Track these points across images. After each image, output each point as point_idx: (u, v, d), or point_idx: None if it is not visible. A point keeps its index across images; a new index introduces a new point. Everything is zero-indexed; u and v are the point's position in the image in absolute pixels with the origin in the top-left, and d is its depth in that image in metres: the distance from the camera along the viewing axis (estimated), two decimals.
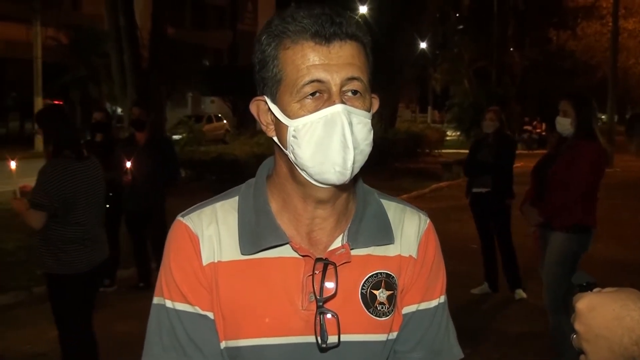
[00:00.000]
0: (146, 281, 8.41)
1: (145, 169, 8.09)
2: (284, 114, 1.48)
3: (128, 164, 7.97)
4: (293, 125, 1.46)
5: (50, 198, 4.76)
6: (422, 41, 33.59)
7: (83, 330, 5.15)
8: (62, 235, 4.89)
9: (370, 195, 1.67)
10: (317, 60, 1.44)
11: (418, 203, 14.85)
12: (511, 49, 39.74)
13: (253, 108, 1.57)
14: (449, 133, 38.80)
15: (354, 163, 1.44)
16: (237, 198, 1.62)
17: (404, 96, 52.41)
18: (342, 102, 1.44)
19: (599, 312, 1.24)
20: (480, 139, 8.71)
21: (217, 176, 16.77)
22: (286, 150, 1.50)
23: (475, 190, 8.30)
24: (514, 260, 8.30)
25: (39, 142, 28.58)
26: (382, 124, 26.70)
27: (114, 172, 7.81)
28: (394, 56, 26.83)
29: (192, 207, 1.63)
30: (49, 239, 4.89)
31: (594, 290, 1.31)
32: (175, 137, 22.76)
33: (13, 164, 5.01)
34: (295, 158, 1.47)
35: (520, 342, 6.81)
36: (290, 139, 1.47)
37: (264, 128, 1.57)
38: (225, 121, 39.41)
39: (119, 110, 26.54)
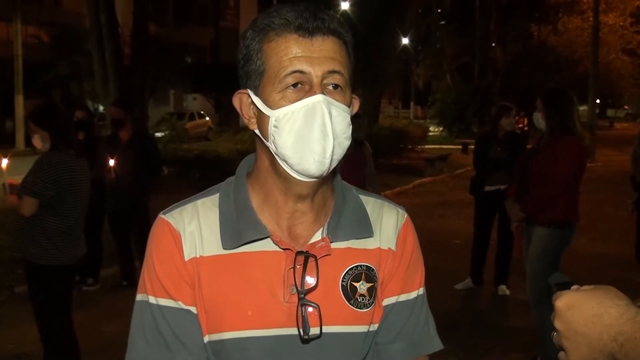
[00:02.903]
0: (129, 279, 8.39)
1: (128, 167, 8.07)
2: (266, 104, 1.50)
3: (111, 162, 7.95)
4: (274, 115, 1.49)
5: (46, 187, 4.89)
6: (405, 37, 33.65)
7: (64, 328, 5.20)
8: (51, 226, 5.00)
9: (349, 191, 1.70)
10: (299, 53, 1.47)
11: (401, 199, 14.92)
12: (493, 44, 39.92)
13: (236, 101, 1.60)
14: (431, 129, 38.93)
15: (332, 153, 1.47)
16: (217, 195, 1.64)
17: (387, 92, 52.50)
18: (323, 94, 1.47)
19: (578, 310, 1.27)
20: (486, 135, 8.66)
21: (200, 173, 16.75)
22: (267, 141, 1.52)
23: (489, 188, 8.22)
24: (510, 255, 8.27)
25: (20, 141, 28.47)
26: (364, 120, 26.60)
27: (97, 170, 7.79)
28: (376, 52, 26.84)
29: (174, 205, 1.65)
30: (38, 229, 4.98)
31: (572, 288, 1.33)
32: (158, 134, 22.73)
33: (4, 162, 5.10)
34: (276, 147, 1.50)
35: (504, 337, 6.84)
36: (271, 129, 1.49)
37: (246, 121, 1.59)
38: (208, 118, 39.33)
39: (101, 108, 26.40)
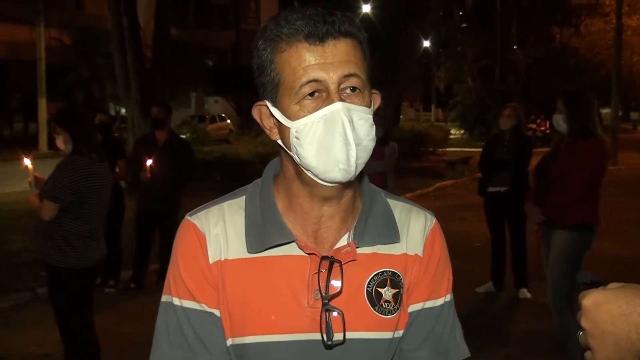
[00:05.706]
0: (138, 283, 8.38)
1: (163, 168, 8.08)
2: (285, 116, 1.49)
3: (149, 162, 7.96)
4: (294, 126, 1.47)
5: (66, 191, 4.90)
6: (426, 39, 33.55)
7: (85, 329, 5.23)
8: (70, 230, 5.00)
9: (377, 194, 1.68)
10: (312, 61, 1.45)
11: (422, 202, 14.84)
12: (515, 47, 39.73)
13: (255, 113, 1.59)
14: (452, 131, 38.84)
15: (357, 160, 1.46)
16: (244, 197, 1.64)
17: (408, 95, 52.45)
18: (341, 100, 1.45)
19: (605, 309, 1.24)
20: (495, 136, 8.61)
21: (221, 176, 16.79)
22: (290, 152, 1.51)
23: (492, 189, 8.18)
24: (524, 258, 8.24)
25: (42, 143, 28.70)
26: (382, 119, 26.49)
27: (134, 168, 7.85)
28: (397, 54, 26.81)
29: (200, 207, 1.65)
30: (57, 232, 4.99)
31: (600, 287, 1.31)
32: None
33: (28, 162, 5.19)
34: (300, 159, 1.49)
35: (525, 341, 6.80)
36: (293, 140, 1.48)
37: (267, 132, 1.58)
38: (229, 121, 39.41)
39: (123, 110, 26.54)
